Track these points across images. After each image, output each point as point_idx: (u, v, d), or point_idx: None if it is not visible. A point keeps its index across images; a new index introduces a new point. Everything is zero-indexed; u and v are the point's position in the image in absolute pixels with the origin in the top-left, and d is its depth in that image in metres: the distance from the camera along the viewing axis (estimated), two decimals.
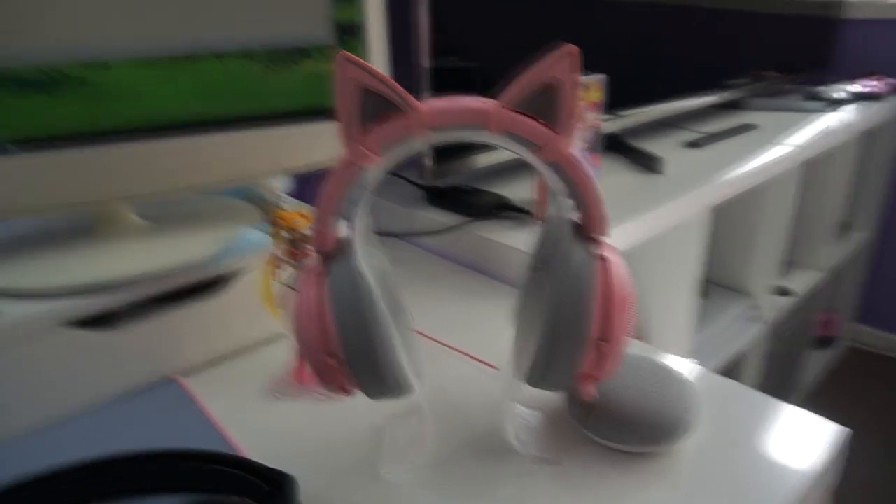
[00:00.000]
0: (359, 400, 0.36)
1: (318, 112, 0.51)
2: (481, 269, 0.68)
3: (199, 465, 0.37)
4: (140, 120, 0.45)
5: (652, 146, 1.01)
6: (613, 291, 0.32)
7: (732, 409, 0.45)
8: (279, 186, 0.61)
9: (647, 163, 0.89)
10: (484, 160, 0.80)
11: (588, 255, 0.32)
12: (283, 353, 0.51)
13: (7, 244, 0.51)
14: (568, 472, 0.39)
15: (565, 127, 0.31)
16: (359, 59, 0.30)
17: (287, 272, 0.46)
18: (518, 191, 0.80)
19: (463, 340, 0.54)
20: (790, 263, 1.51)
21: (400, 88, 0.31)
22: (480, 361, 0.51)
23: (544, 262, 0.39)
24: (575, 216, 0.34)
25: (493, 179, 0.86)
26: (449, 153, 0.75)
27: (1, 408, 0.42)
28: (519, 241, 0.65)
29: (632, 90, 0.99)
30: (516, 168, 0.91)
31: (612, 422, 0.39)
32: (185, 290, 0.48)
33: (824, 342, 1.87)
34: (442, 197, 0.76)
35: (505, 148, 0.33)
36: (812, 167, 1.45)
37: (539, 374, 0.34)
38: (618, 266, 0.33)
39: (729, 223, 1.22)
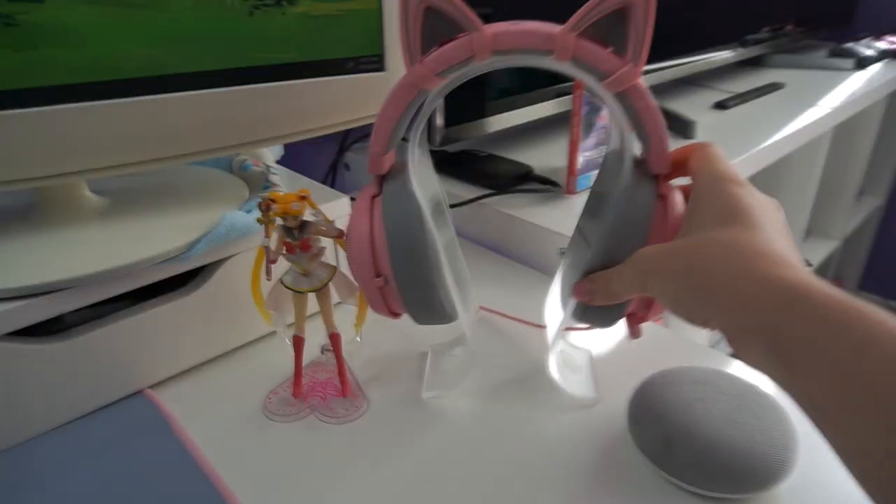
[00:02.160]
0: (361, 435, 0.35)
1: (315, 67, 0.41)
2: (503, 249, 0.59)
3: None
4: (88, 73, 0.35)
5: (677, 107, 0.92)
6: (671, 230, 0.31)
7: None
8: (269, 155, 0.51)
9: (679, 127, 0.80)
10: (498, 122, 0.70)
11: (649, 192, 0.31)
12: (276, 358, 0.42)
13: None
14: None
15: (636, 55, 0.29)
16: None
17: (283, 268, 0.37)
18: (538, 158, 0.71)
19: None
20: (808, 231, 1.44)
21: (466, 8, 0.29)
22: (528, 322, 0.48)
23: (602, 197, 0.38)
24: (637, 151, 0.32)
25: (509, 145, 0.76)
26: (461, 115, 0.65)
27: None
28: (548, 218, 0.56)
29: (652, 46, 0.90)
30: (534, 131, 0.82)
31: (697, 461, 0.31)
32: (155, 286, 0.39)
33: None
34: (453, 164, 0.67)
35: (571, 76, 0.32)
36: (837, 131, 1.36)
37: (587, 309, 0.33)
38: (677, 205, 0.32)
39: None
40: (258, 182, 0.47)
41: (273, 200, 0.34)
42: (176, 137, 0.39)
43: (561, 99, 0.76)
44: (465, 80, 0.33)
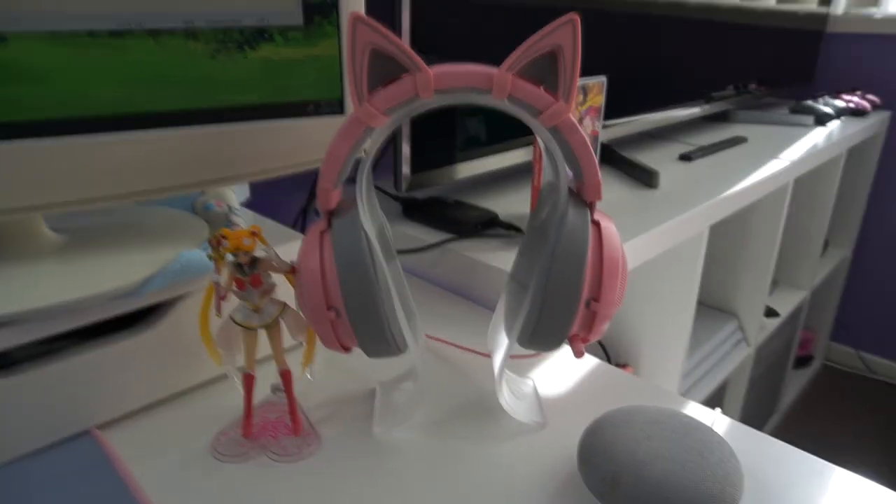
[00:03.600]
0: (314, 473, 0.34)
1: (276, 109, 0.42)
2: (466, 293, 0.60)
3: None
4: (50, 110, 0.36)
5: (643, 158, 0.95)
6: (606, 254, 0.34)
7: (774, 476, 0.37)
8: (233, 196, 0.52)
9: (642, 176, 0.82)
10: (466, 170, 0.72)
11: (583, 219, 0.34)
12: (226, 400, 0.42)
13: None
14: None
15: (566, 93, 0.32)
16: (370, 19, 0.30)
17: (231, 304, 0.37)
18: (504, 205, 0.72)
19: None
20: (774, 282, 1.46)
21: (409, 50, 0.31)
22: (472, 350, 0.50)
23: (541, 227, 0.39)
24: (571, 182, 0.35)
25: (476, 192, 0.78)
26: (428, 162, 0.66)
27: None
28: (509, 262, 0.57)
29: (619, 100, 0.93)
30: (501, 180, 0.83)
31: (643, 501, 0.31)
32: (106, 323, 0.38)
33: (802, 361, 1.83)
34: (420, 210, 0.68)
35: (507, 112, 0.33)
36: (800, 183, 1.41)
37: (531, 332, 0.35)
38: (611, 231, 0.34)
39: (717, 241, 1.16)
40: (220, 223, 0.48)
41: (224, 236, 0.35)
42: (137, 175, 0.39)
43: (527, 148, 0.78)
44: (410, 118, 0.35)
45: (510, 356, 0.42)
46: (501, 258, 0.58)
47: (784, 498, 0.35)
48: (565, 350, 0.50)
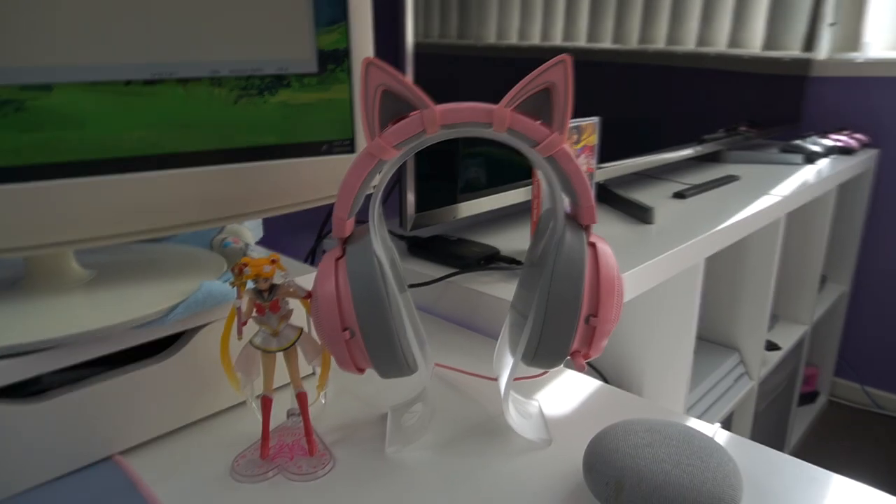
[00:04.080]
0: (329, 492, 0.36)
1: (292, 149, 0.45)
2: (470, 324, 0.62)
3: None
4: (85, 152, 0.39)
5: (638, 196, 0.98)
6: (602, 273, 0.37)
7: (772, 483, 0.38)
8: (248, 234, 0.54)
9: (638, 213, 0.85)
10: (467, 209, 0.75)
11: (580, 240, 0.37)
12: (244, 427, 0.44)
13: None
14: None
15: (560, 125, 0.35)
16: (382, 62, 0.34)
17: (253, 330, 0.39)
18: (504, 242, 0.75)
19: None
20: (774, 317, 1.48)
21: (417, 90, 0.34)
22: (478, 375, 0.52)
23: (540, 253, 0.42)
24: (567, 208, 0.38)
25: (477, 230, 0.81)
26: (431, 202, 0.69)
27: None
28: (510, 292, 0.59)
29: (613, 143, 0.97)
30: (500, 219, 0.86)
31: (648, 502, 0.33)
32: (130, 351, 0.41)
33: (807, 398, 1.83)
34: (424, 248, 0.70)
35: (507, 144, 0.37)
36: (794, 219, 1.44)
37: (535, 350, 0.37)
38: (606, 251, 0.37)
39: (715, 277, 1.19)
40: (237, 259, 0.50)
41: (245, 264, 0.37)
42: (162, 211, 0.42)
43: (524, 189, 0.82)
44: (418, 150, 0.38)
45: (515, 378, 0.44)
46: (503, 289, 0.60)
47: (782, 501, 0.37)
48: (568, 373, 0.52)
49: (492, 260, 0.66)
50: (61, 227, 0.39)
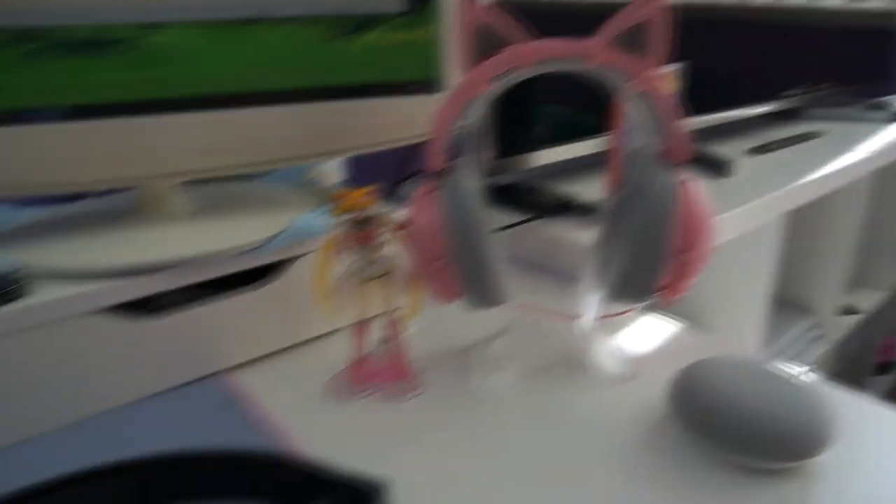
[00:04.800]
0: (417, 415, 0.39)
1: (379, 87, 0.47)
2: (548, 268, 0.63)
3: (268, 470, 0.31)
4: (187, 88, 0.41)
5: (715, 151, 0.95)
6: (693, 209, 0.36)
7: (865, 427, 0.38)
8: (333, 174, 0.56)
9: (715, 166, 0.83)
10: (541, 159, 0.75)
11: (671, 177, 0.37)
12: (338, 351, 0.46)
13: (45, 223, 0.47)
14: (673, 485, 0.33)
15: (654, 60, 0.36)
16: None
17: (347, 259, 0.41)
18: (581, 191, 0.75)
19: None
20: (855, 281, 1.42)
21: (513, 24, 0.35)
22: (560, 314, 0.52)
23: (628, 192, 0.41)
24: (658, 145, 0.38)
25: (551, 179, 0.81)
26: (508, 150, 0.70)
27: (27, 400, 0.37)
28: (587, 238, 0.60)
29: (690, 98, 0.94)
30: (574, 169, 0.86)
31: (739, 429, 0.33)
32: (234, 277, 0.43)
33: (884, 367, 1.76)
34: (502, 194, 0.71)
35: (597, 80, 0.37)
36: (878, 180, 1.37)
37: (623, 286, 0.38)
38: (698, 189, 0.37)
39: (794, 235, 1.15)
40: (325, 197, 0.52)
41: (343, 195, 0.39)
42: (259, 146, 0.44)
43: (598, 141, 0.81)
44: (510, 86, 0.38)
45: (599, 316, 0.44)
46: (579, 235, 0.61)
47: (872, 446, 0.36)
48: (648, 317, 0.52)
49: (567, 207, 0.67)
50: (167, 159, 0.42)
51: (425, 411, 0.40)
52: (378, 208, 0.40)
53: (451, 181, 0.37)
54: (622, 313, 0.51)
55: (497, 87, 0.37)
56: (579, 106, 0.78)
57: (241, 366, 0.45)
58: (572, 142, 0.78)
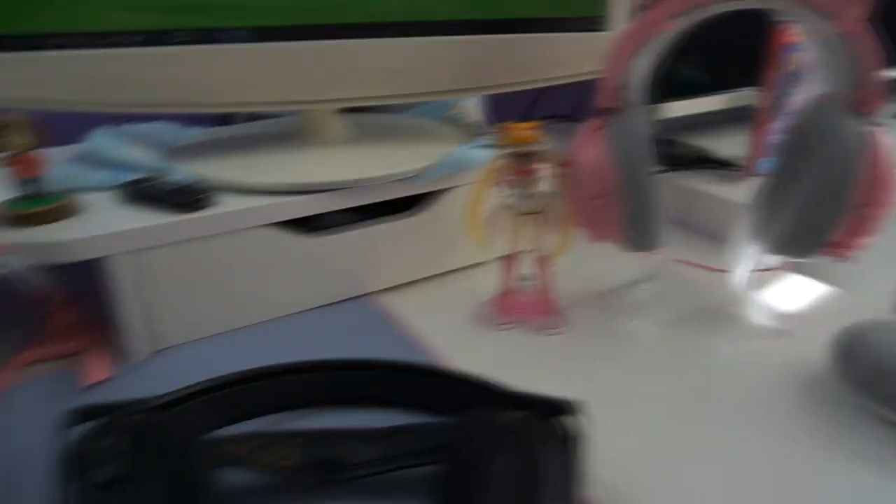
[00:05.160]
0: (561, 349, 0.40)
1: (546, 23, 0.46)
2: (681, 222, 0.61)
3: (453, 383, 0.32)
4: (366, 16, 0.42)
5: None
6: (881, 161, 0.34)
7: None
8: (476, 111, 0.57)
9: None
10: (676, 110, 0.72)
11: (858, 126, 0.35)
12: (483, 283, 0.47)
13: (214, 142, 0.50)
14: (834, 444, 0.33)
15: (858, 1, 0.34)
16: None
17: (503, 192, 0.42)
18: (716, 145, 0.72)
19: None
20: None
21: None
22: (708, 267, 0.51)
23: (801, 141, 0.39)
24: (848, 92, 0.35)
25: (688, 132, 0.78)
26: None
27: (212, 300, 0.41)
28: (727, 193, 0.58)
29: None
30: (711, 123, 0.83)
31: None
32: (387, 205, 0.45)
33: None
34: None
35: (793, 19, 0.36)
36: None
37: (792, 238, 0.37)
38: (886, 139, 0.35)
39: None
40: (469, 132, 0.53)
41: (509, 128, 0.39)
42: (420, 77, 0.45)
43: (739, 93, 0.77)
44: (690, 26, 0.37)
45: (753, 270, 0.43)
46: (718, 189, 0.59)
47: None
48: (798, 279, 0.50)
49: (703, 161, 0.64)
50: (334, 85, 0.44)
51: (570, 347, 0.41)
52: (541, 144, 0.40)
53: (622, 120, 0.37)
54: (775, 269, 0.49)
55: (677, 27, 0.36)
56: (716, 58, 0.74)
57: (391, 289, 0.47)
58: (708, 95, 0.75)
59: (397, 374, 0.33)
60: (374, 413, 0.34)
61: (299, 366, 0.32)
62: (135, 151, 0.45)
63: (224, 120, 0.61)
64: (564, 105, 0.80)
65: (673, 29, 0.36)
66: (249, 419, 0.32)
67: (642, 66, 0.38)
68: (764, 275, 0.48)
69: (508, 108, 0.80)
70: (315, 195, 0.42)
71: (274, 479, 0.29)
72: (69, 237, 0.36)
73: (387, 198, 0.44)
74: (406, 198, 0.45)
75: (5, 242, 0.35)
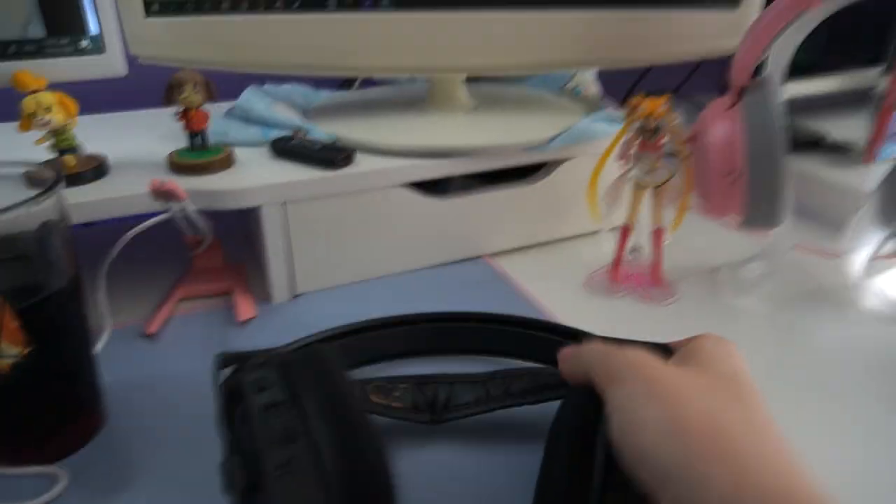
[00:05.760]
0: (670, 320, 0.41)
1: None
2: (794, 206, 0.61)
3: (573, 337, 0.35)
4: None
5: None
6: None
7: None
8: (593, 84, 0.58)
9: None
10: (792, 90, 0.70)
11: None
12: (594, 251, 0.49)
13: (355, 104, 0.54)
14: None
15: None
16: None
17: (626, 165, 0.43)
18: (830, 129, 0.70)
19: None
20: None
21: None
22: (820, 251, 0.50)
23: None
24: None
25: (800, 114, 0.76)
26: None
27: (342, 250, 0.44)
28: (840, 178, 0.57)
29: None
30: (827, 104, 0.80)
31: None
32: (508, 170, 0.47)
33: None
34: None
35: None
36: None
37: None
38: None
39: None
40: (588, 105, 0.54)
41: (640, 102, 0.41)
42: (541, 48, 0.46)
43: (860, 74, 0.74)
44: (842, 7, 0.37)
45: (873, 255, 0.43)
46: (835, 174, 0.58)
47: None
48: None
49: (816, 145, 0.63)
50: (463, 53, 0.45)
51: (677, 318, 0.43)
52: (670, 118, 0.41)
53: (758, 95, 0.38)
54: (893, 255, 0.49)
55: (827, 7, 0.36)
56: (836, 36, 0.72)
57: (507, 252, 0.50)
58: (822, 75, 0.73)
59: (502, 325, 0.36)
60: (477, 361, 0.36)
61: (411, 317, 0.35)
62: (279, 110, 0.49)
63: (346, 83, 0.64)
64: (670, 81, 0.80)
65: (822, 7, 0.36)
66: (370, 364, 0.35)
67: (785, 44, 0.38)
68: (881, 261, 0.48)
69: (614, 82, 0.80)
70: (445, 160, 0.44)
71: (386, 419, 0.31)
72: (232, 187, 0.40)
73: (512, 165, 0.46)
74: (524, 166, 0.48)
75: (180, 189, 0.39)
